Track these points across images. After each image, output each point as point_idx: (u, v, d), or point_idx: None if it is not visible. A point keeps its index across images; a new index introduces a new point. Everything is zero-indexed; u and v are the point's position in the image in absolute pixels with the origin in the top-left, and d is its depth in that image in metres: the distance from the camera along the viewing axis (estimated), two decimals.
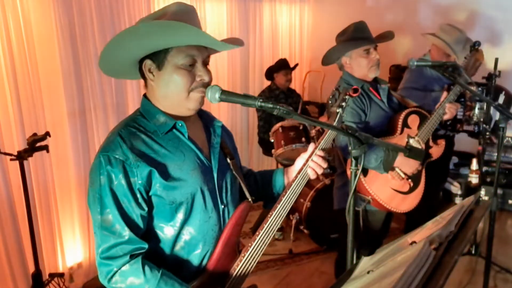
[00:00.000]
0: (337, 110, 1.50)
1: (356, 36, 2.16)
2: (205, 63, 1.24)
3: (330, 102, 1.54)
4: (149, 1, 3.39)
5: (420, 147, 2.12)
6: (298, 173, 1.36)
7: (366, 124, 2.14)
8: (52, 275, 2.69)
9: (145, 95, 1.29)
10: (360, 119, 2.11)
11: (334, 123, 1.48)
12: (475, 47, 2.48)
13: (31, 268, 2.51)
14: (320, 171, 1.38)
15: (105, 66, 1.24)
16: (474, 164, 3.85)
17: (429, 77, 3.07)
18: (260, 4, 4.64)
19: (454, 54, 3.05)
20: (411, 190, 2.15)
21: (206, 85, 1.21)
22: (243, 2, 4.40)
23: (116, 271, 1.14)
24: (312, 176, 1.37)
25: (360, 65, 2.17)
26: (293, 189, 1.34)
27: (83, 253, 3.07)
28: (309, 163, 1.37)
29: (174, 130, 1.24)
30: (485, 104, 2.89)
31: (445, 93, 2.25)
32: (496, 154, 2.54)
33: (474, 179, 3.87)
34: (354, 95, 1.53)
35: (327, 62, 2.30)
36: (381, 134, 2.16)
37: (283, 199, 1.32)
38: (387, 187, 2.10)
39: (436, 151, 2.24)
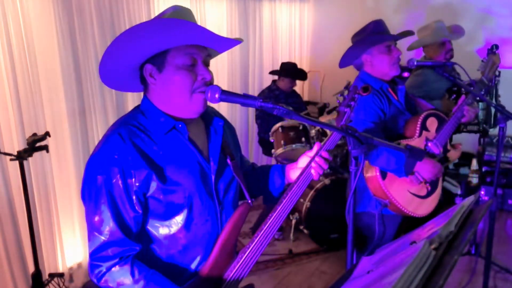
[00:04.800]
0: (345, 110, 1.45)
1: (377, 32, 2.10)
2: (206, 63, 1.22)
3: (338, 100, 1.50)
4: (149, 1, 3.40)
5: (437, 151, 2.09)
6: (301, 173, 1.33)
7: (386, 124, 2.09)
8: (52, 275, 2.69)
9: (145, 96, 1.26)
10: (380, 119, 2.06)
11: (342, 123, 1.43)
12: (492, 50, 2.47)
13: (31, 268, 2.51)
14: (321, 172, 1.35)
15: (106, 76, 1.22)
16: (474, 164, 3.86)
17: (431, 85, 3.11)
18: (260, 4, 4.64)
19: (445, 36, 3.13)
20: (429, 194, 2.10)
21: (209, 84, 1.19)
22: (243, 2, 4.40)
23: (106, 272, 1.14)
24: (316, 177, 1.34)
25: (382, 62, 2.11)
26: (295, 190, 1.30)
27: (83, 253, 3.07)
28: (312, 164, 1.34)
29: (174, 131, 1.22)
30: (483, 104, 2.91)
31: (463, 96, 2.22)
32: (496, 154, 2.54)
33: (474, 179, 3.88)
34: (364, 94, 1.45)
35: (346, 63, 2.21)
36: (399, 136, 2.13)
37: (284, 201, 1.28)
38: (405, 191, 2.04)
39: (454, 154, 2.20)
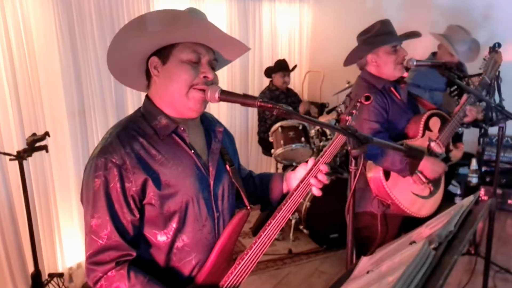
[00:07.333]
0: (347, 118, 1.46)
1: (384, 32, 2.10)
2: (211, 65, 1.22)
3: (340, 109, 1.51)
4: (149, 1, 3.40)
5: (440, 150, 2.09)
6: (299, 185, 1.32)
7: (389, 124, 2.09)
8: (51, 275, 2.69)
9: (147, 96, 1.26)
10: (383, 118, 2.06)
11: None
12: (494, 49, 2.44)
13: (31, 268, 2.51)
14: (321, 187, 1.33)
15: (113, 63, 1.21)
16: (474, 164, 3.86)
17: (432, 78, 3.10)
18: (260, 4, 4.64)
19: (455, 54, 3.07)
20: (431, 194, 2.11)
21: (210, 84, 1.19)
22: (242, 2, 4.40)
23: (102, 277, 1.12)
24: (317, 193, 1.33)
25: (387, 62, 2.10)
26: (293, 199, 1.30)
27: (83, 253, 3.06)
28: (312, 181, 1.32)
29: (174, 135, 1.21)
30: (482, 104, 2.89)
31: (465, 96, 2.20)
32: (495, 154, 2.54)
33: (473, 179, 3.88)
34: (366, 103, 1.46)
35: (351, 62, 2.21)
36: (402, 135, 2.13)
37: (283, 208, 1.28)
38: (408, 192, 2.04)
39: (456, 154, 2.20)
